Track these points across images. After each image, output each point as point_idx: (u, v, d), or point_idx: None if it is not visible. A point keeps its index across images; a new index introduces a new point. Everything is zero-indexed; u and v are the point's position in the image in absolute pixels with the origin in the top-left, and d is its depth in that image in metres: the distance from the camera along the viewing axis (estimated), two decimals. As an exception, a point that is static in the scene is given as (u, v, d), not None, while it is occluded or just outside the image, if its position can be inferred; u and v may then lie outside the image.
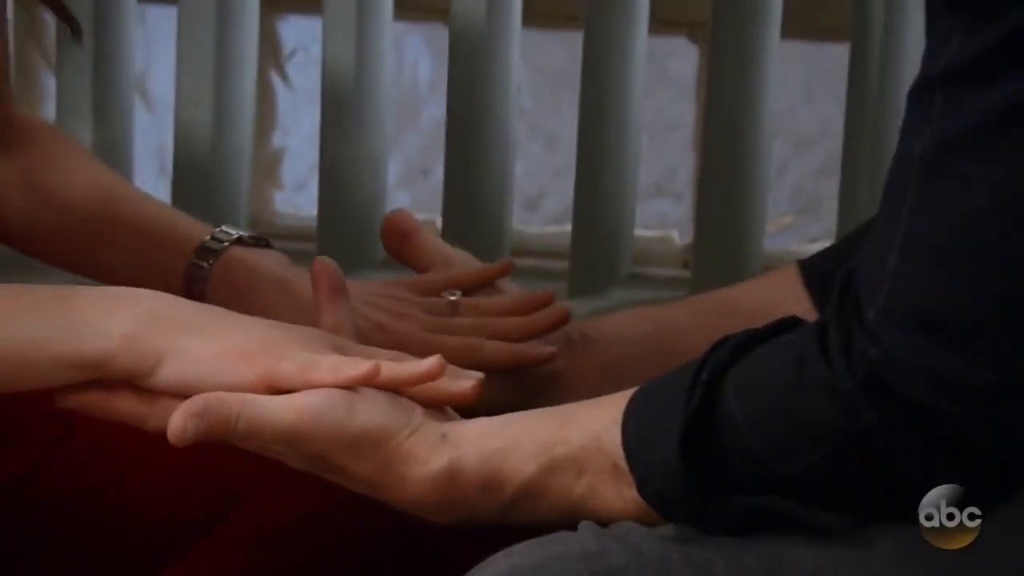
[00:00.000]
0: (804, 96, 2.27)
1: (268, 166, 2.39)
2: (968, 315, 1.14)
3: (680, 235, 2.23)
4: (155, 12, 2.31)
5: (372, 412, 1.24)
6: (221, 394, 1.23)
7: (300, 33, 2.32)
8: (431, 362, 1.27)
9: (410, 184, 2.32)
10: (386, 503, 1.23)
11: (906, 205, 1.14)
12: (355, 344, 1.34)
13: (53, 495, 1.50)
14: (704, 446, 1.18)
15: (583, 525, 1.18)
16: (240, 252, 1.54)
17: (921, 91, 1.18)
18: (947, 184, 1.15)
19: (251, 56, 2.20)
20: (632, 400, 1.22)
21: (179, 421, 1.21)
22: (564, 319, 1.44)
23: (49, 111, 2.35)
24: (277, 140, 2.37)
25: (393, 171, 2.26)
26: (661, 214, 2.29)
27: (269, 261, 1.55)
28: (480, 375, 1.28)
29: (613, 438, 1.21)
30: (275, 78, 2.36)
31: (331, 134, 2.21)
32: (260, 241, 1.56)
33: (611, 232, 2.16)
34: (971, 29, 1.17)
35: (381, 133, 2.19)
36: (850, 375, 1.14)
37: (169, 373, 1.27)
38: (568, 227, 2.14)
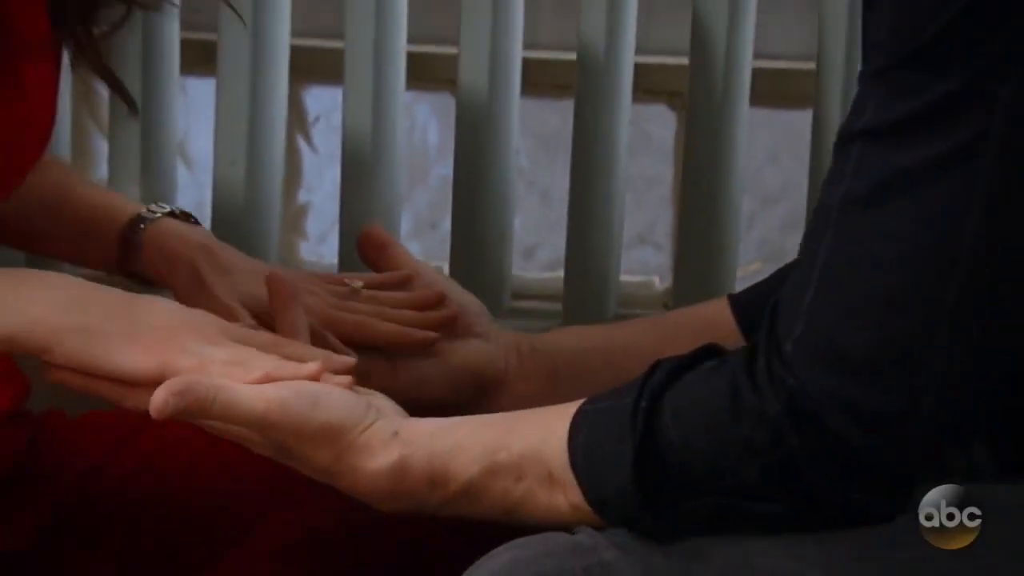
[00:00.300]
0: (771, 157, 2.30)
1: (294, 219, 2.44)
2: (873, 351, 1.29)
3: (660, 280, 2.26)
4: (196, 83, 2.34)
5: (333, 407, 1.37)
6: (200, 377, 1.35)
7: (323, 102, 2.38)
8: (311, 368, 1.40)
9: (420, 236, 2.36)
10: (342, 492, 1.37)
11: (822, 248, 1.28)
12: (245, 329, 1.46)
13: (117, 490, 1.71)
14: (650, 469, 1.31)
15: (579, 528, 1.33)
16: (171, 222, 1.69)
17: (841, 146, 1.30)
18: (858, 231, 1.28)
19: (280, 122, 2.21)
20: (577, 417, 1.34)
21: (161, 396, 1.31)
22: (452, 318, 1.58)
23: (101, 171, 2.38)
24: (302, 196, 2.41)
25: (405, 224, 2.29)
26: (643, 261, 2.33)
27: (198, 232, 1.70)
28: (319, 364, 1.41)
29: (552, 450, 1.36)
30: (301, 142, 2.41)
31: (350, 191, 2.24)
32: (190, 218, 1.69)
33: (599, 277, 2.18)
34: (886, 100, 1.30)
35: (395, 190, 2.22)
36: (775, 402, 1.28)
37: (70, 350, 1.36)
38: (561, 273, 2.17)
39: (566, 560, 1.31)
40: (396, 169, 2.17)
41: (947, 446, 1.36)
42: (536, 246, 2.32)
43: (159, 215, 1.68)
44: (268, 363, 1.39)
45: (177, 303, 1.50)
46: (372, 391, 1.43)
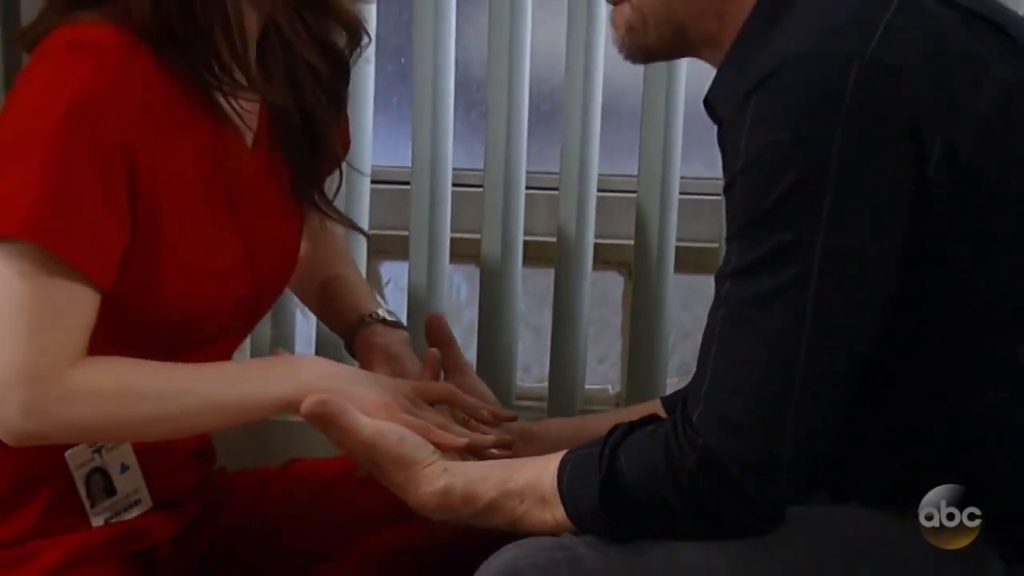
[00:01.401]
0: (685, 306, 2.50)
1: None
2: (748, 421, 1.53)
3: (612, 388, 2.56)
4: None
5: (411, 446, 1.69)
6: (334, 397, 1.69)
7: (391, 271, 2.59)
8: (464, 441, 1.72)
9: None
10: (408, 504, 1.67)
11: (711, 355, 1.55)
12: (427, 406, 1.77)
13: (263, 516, 2.00)
14: (610, 496, 1.57)
15: (562, 534, 1.60)
16: (379, 328, 2.00)
17: (718, 284, 1.58)
18: (731, 343, 1.55)
19: None
20: (563, 461, 1.61)
21: (309, 401, 1.69)
22: (509, 442, 1.79)
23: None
24: None
25: None
26: (602, 375, 2.57)
27: (393, 339, 1.98)
28: (466, 440, 1.71)
29: (544, 481, 1.62)
30: (377, 297, 2.40)
31: (411, 329, 2.26)
32: (395, 323, 2.01)
33: (571, 386, 2.45)
34: (741, 250, 1.56)
35: None
36: (691, 454, 1.53)
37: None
38: (546, 383, 2.47)
39: (552, 553, 1.58)
40: (440, 309, 2.41)
41: (800, 485, 1.57)
42: (530, 365, 2.56)
43: (372, 322, 2.00)
44: (462, 431, 1.77)
45: (394, 379, 1.84)
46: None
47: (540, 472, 1.63)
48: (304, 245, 2.05)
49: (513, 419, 1.86)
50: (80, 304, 1.72)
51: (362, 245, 2.40)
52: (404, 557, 1.95)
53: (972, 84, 1.56)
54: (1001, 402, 1.59)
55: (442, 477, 1.66)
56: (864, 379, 1.58)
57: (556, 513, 1.61)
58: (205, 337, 1.88)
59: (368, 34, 1.96)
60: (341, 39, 1.94)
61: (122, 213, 1.75)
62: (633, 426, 1.60)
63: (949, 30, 1.59)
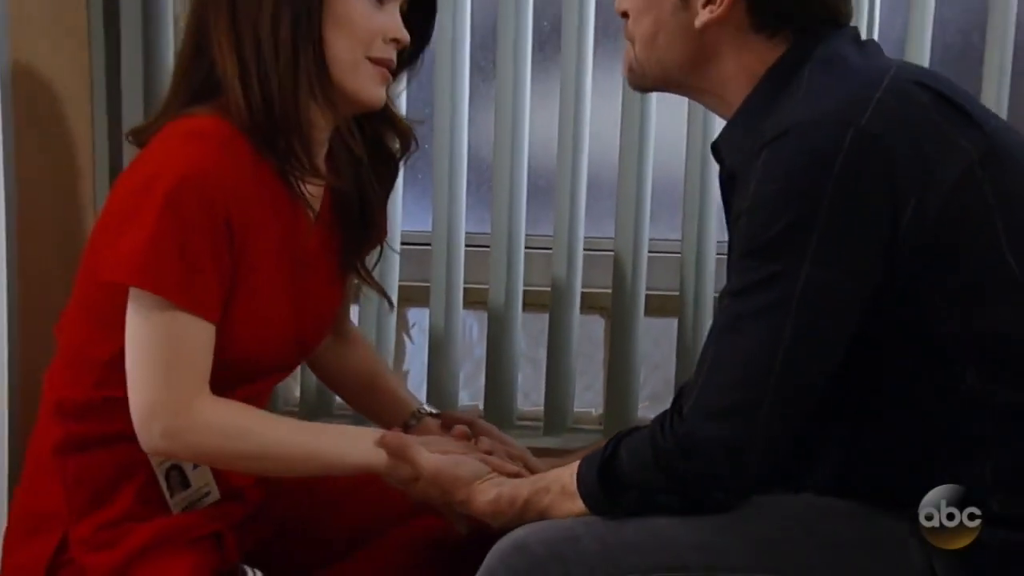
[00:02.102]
0: (655, 343, 2.51)
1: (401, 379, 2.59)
2: (731, 410, 1.56)
3: (596, 410, 2.57)
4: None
5: (467, 470, 1.77)
6: (405, 436, 1.81)
7: (417, 316, 2.63)
8: (513, 468, 1.80)
9: (467, 385, 2.59)
10: (469, 514, 1.77)
11: (707, 356, 1.60)
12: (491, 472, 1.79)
13: (313, 515, 2.04)
14: (609, 479, 1.64)
15: (569, 518, 1.65)
16: (428, 420, 2.07)
17: (719, 301, 1.61)
18: (723, 348, 1.59)
19: (391, 328, 2.52)
20: (581, 461, 1.68)
21: (389, 435, 1.80)
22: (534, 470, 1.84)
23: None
24: (405, 366, 2.66)
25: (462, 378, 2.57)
26: (587, 400, 2.58)
27: (435, 426, 2.04)
28: (514, 468, 1.80)
29: (565, 476, 1.69)
30: (405, 337, 2.64)
31: (433, 364, 2.51)
32: (435, 413, 2.07)
33: (563, 408, 2.50)
34: (739, 274, 1.58)
35: (456, 361, 2.52)
36: (672, 441, 1.58)
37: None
38: (542, 406, 2.50)
39: (555, 532, 1.66)
40: (455, 350, 2.52)
41: (764, 470, 1.60)
42: (529, 392, 2.57)
43: (423, 415, 2.08)
44: (510, 463, 1.84)
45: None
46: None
47: (564, 470, 1.71)
48: (337, 344, 2.14)
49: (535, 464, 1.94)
50: (200, 343, 1.79)
51: (394, 295, 2.45)
52: (427, 543, 2.01)
53: (941, 156, 1.59)
54: (945, 417, 1.61)
55: (492, 489, 1.75)
56: (828, 389, 1.61)
57: (576, 502, 1.68)
58: (260, 371, 1.95)
59: (417, 142, 2.03)
60: (394, 143, 2.01)
61: (223, 266, 1.80)
62: (637, 427, 1.67)
63: (924, 110, 1.61)
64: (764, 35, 1.70)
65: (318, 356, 2.13)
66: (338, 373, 2.18)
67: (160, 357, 1.77)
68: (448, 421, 2.04)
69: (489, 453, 1.87)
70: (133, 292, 1.78)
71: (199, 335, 1.79)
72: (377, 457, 1.82)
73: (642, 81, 1.81)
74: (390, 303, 2.27)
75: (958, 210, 1.58)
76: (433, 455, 1.80)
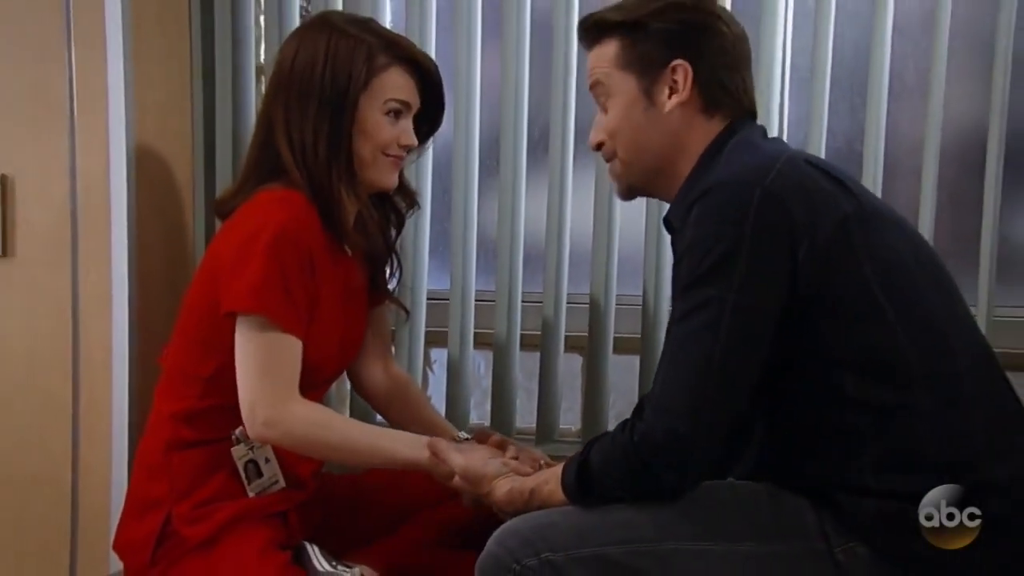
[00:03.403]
0: (627, 372, 2.44)
1: None
2: (681, 406, 1.55)
3: (575, 427, 2.55)
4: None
5: (491, 468, 1.79)
6: (444, 443, 1.83)
7: (438, 355, 2.64)
8: (528, 470, 1.77)
9: (477, 405, 2.59)
10: (488, 504, 1.78)
11: (661, 371, 1.59)
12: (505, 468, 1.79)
13: (357, 504, 2.09)
14: (583, 475, 1.64)
15: (552, 508, 1.66)
16: (464, 444, 1.99)
17: (669, 326, 1.58)
18: (671, 360, 1.58)
19: (418, 364, 2.58)
20: (568, 459, 1.68)
21: (433, 441, 1.84)
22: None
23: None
24: (428, 392, 2.65)
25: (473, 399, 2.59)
26: (569, 420, 2.56)
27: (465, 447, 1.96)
28: (530, 470, 1.77)
29: (557, 474, 1.69)
30: (427, 369, 2.65)
31: (451, 389, 2.53)
32: (468, 439, 2.02)
33: (551, 426, 2.49)
34: (681, 302, 1.56)
35: (469, 385, 2.52)
36: (635, 439, 1.56)
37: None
38: (534, 424, 2.50)
39: (538, 520, 1.67)
40: (467, 381, 2.55)
41: (708, 459, 1.60)
42: (525, 413, 2.55)
43: (463, 439, 2.06)
44: (527, 466, 1.83)
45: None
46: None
47: (557, 468, 1.73)
48: (389, 382, 2.17)
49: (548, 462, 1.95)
50: (292, 354, 1.86)
51: (420, 339, 2.51)
52: (450, 524, 2.06)
53: (825, 210, 1.61)
54: (833, 414, 1.62)
55: (507, 484, 1.77)
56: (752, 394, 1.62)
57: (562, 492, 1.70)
58: (320, 381, 2.03)
59: (419, 203, 2.14)
60: (402, 204, 2.12)
61: (308, 297, 1.88)
62: (606, 432, 1.69)
63: (812, 178, 1.64)
64: (707, 116, 1.74)
65: (377, 394, 2.17)
66: (390, 405, 2.19)
67: (263, 364, 1.83)
68: (483, 437, 2.05)
69: (515, 458, 1.88)
70: (242, 317, 1.84)
71: (292, 348, 1.86)
72: (423, 456, 1.87)
73: (629, 188, 1.80)
74: (406, 312, 2.28)
75: (837, 250, 1.60)
76: (464, 457, 1.85)
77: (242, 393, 1.84)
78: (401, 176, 2.06)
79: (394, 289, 2.19)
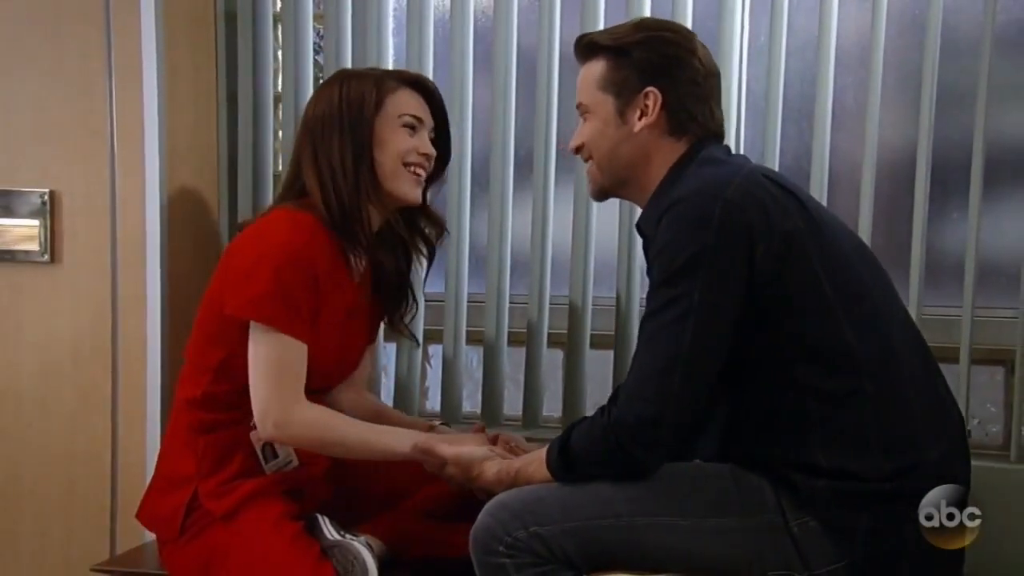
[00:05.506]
0: (598, 368, 2.41)
1: (421, 398, 2.60)
2: (649, 392, 1.55)
3: (556, 414, 2.46)
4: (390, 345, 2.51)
5: (479, 454, 1.77)
6: (436, 439, 1.80)
7: (435, 350, 2.55)
8: (510, 457, 1.74)
9: (470, 397, 2.53)
10: (480, 485, 1.75)
11: (635, 361, 1.58)
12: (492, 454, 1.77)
13: (363, 481, 2.04)
14: (564, 455, 1.64)
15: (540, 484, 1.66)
16: (441, 427, 2.05)
17: (642, 322, 1.56)
18: (644, 351, 1.57)
19: (417, 359, 2.53)
20: (552, 441, 1.68)
21: (421, 439, 1.80)
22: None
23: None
24: (426, 384, 2.62)
25: (466, 391, 2.53)
26: (552, 407, 2.47)
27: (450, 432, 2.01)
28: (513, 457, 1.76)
29: (541, 455, 1.69)
30: (426, 363, 2.58)
31: (446, 381, 2.47)
32: (447, 424, 2.08)
33: (535, 413, 2.44)
34: (653, 299, 1.54)
35: (461, 379, 2.47)
36: (611, 421, 1.57)
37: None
38: (521, 412, 2.45)
39: (526, 494, 1.66)
40: (461, 374, 2.50)
41: (677, 439, 1.59)
42: (513, 401, 2.48)
43: (438, 425, 2.08)
44: (509, 454, 1.82)
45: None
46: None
47: (541, 450, 1.72)
48: (350, 391, 2.10)
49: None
50: (298, 359, 1.83)
51: (420, 334, 2.44)
52: (447, 499, 2.02)
53: (779, 218, 1.61)
54: (786, 400, 1.62)
55: (495, 465, 1.77)
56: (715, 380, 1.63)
57: (547, 471, 1.70)
58: (319, 388, 1.97)
59: (448, 231, 2.09)
60: (431, 232, 2.07)
61: (312, 308, 1.84)
62: (585, 417, 1.68)
63: (767, 190, 1.64)
64: (674, 138, 1.74)
65: (339, 400, 2.11)
66: (352, 411, 2.12)
67: (272, 370, 1.81)
68: (478, 431, 2.04)
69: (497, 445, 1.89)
70: (253, 325, 1.83)
71: (297, 353, 1.83)
72: (416, 452, 1.85)
73: (601, 189, 1.81)
74: (416, 342, 2.34)
75: (791, 253, 1.61)
76: (451, 447, 1.83)
77: (254, 399, 1.84)
78: (428, 205, 2.05)
79: (408, 321, 2.16)
